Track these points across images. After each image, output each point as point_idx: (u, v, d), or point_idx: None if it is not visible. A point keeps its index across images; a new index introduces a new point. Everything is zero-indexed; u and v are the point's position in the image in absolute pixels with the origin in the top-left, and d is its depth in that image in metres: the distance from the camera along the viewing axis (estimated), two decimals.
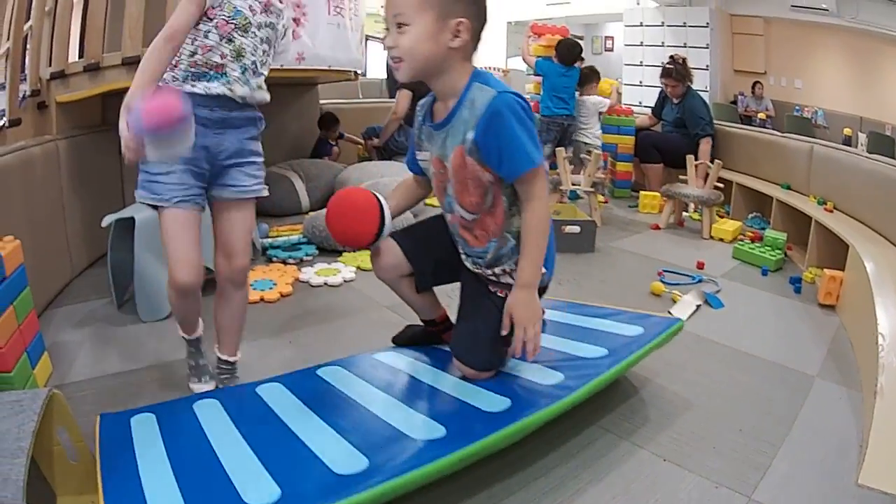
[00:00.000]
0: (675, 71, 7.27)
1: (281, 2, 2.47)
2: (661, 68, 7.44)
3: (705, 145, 7.00)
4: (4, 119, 4.13)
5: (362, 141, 7.95)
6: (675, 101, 7.35)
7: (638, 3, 13.86)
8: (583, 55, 7.35)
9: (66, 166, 4.30)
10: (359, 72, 6.71)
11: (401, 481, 1.83)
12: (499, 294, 2.49)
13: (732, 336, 3.66)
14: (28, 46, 4.51)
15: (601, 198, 6.74)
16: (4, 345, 2.59)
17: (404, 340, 3.09)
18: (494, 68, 15.49)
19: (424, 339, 3.03)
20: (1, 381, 2.61)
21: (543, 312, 2.40)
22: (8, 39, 4.18)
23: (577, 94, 7.28)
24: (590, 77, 7.45)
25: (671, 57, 7.48)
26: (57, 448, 2.07)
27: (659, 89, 7.68)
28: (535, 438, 2.44)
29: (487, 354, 2.54)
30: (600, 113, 7.41)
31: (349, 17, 5.78)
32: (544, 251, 2.33)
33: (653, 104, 7.90)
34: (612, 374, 2.56)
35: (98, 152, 4.91)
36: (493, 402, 2.34)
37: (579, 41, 7.66)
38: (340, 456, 2.00)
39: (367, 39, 7.38)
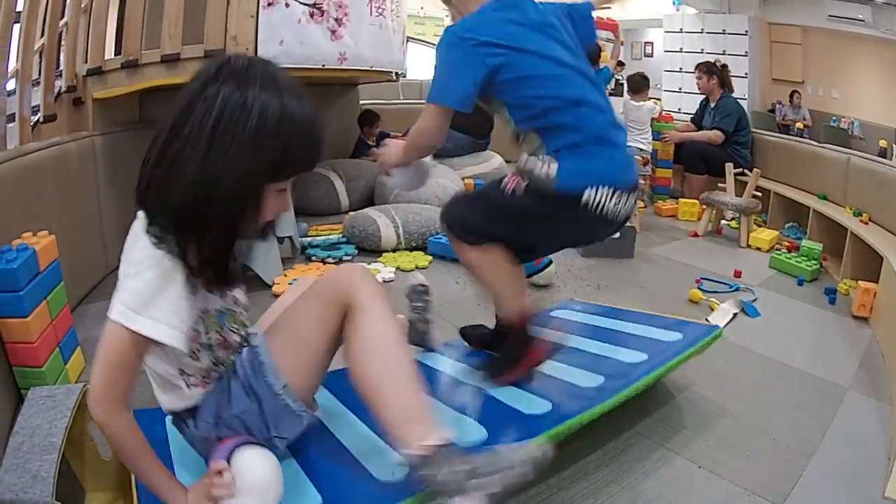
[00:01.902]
0: (706, 64, 7.36)
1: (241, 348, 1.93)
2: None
3: (714, 134, 7.17)
4: (39, 115, 4.19)
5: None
6: (712, 104, 7.41)
7: (678, 10, 13.85)
8: (622, 59, 7.35)
9: (103, 163, 4.36)
10: (400, 73, 6.76)
11: None
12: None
13: (767, 345, 3.71)
14: (63, 42, 4.60)
15: (640, 203, 6.77)
16: (36, 339, 2.68)
17: (473, 340, 2.99)
18: None
19: (492, 345, 2.84)
20: (32, 375, 2.70)
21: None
22: (42, 35, 4.25)
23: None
24: (642, 84, 7.46)
25: (714, 62, 7.55)
26: (89, 444, 2.11)
27: (700, 98, 7.73)
28: (574, 441, 2.51)
29: (465, 212, 2.53)
30: (653, 119, 7.46)
31: (391, 19, 5.84)
32: (414, 150, 2.59)
33: (693, 110, 7.96)
34: (650, 378, 2.61)
35: (135, 150, 4.93)
36: (533, 404, 2.42)
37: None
38: (385, 461, 2.01)
39: (408, 41, 7.41)
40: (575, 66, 2.37)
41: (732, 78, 7.61)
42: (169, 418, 2.07)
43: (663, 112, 8.04)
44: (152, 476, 1.67)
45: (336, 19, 4.92)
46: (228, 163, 1.51)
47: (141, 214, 1.59)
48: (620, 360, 2.79)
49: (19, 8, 3.82)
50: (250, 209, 1.61)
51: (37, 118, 4.12)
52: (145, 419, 2.20)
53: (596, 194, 2.24)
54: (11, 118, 3.86)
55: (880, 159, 6.08)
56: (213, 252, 1.61)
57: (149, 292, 1.53)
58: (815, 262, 5.10)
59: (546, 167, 2.30)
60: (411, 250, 5.19)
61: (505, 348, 2.65)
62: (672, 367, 2.76)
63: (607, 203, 2.26)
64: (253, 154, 1.53)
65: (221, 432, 1.81)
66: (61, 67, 4.54)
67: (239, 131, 1.50)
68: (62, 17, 4.42)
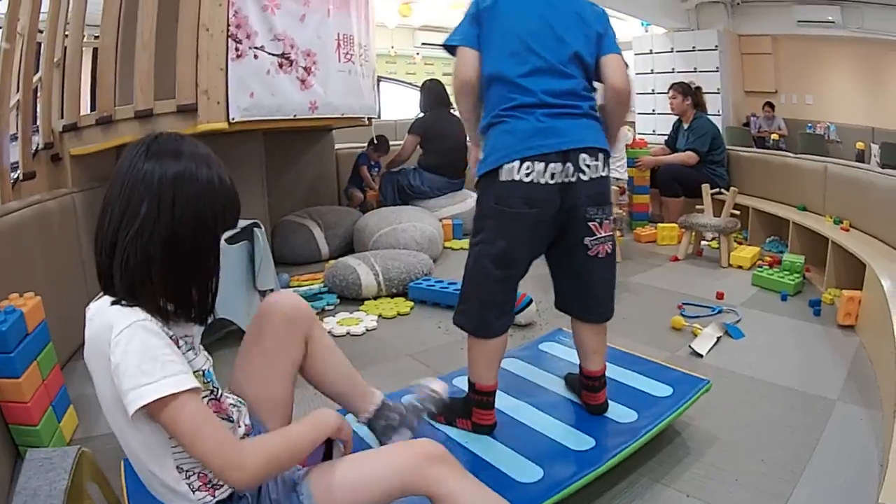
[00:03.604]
0: (680, 84, 7.44)
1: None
2: None
3: (687, 156, 7.21)
4: (18, 172, 4.17)
5: (375, 188, 8.05)
6: (686, 125, 7.45)
7: (647, 31, 13.92)
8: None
9: (84, 219, 4.35)
10: (372, 117, 6.78)
11: None
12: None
13: (753, 366, 3.72)
14: (39, 97, 4.60)
15: (618, 233, 6.76)
16: (30, 399, 2.70)
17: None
18: None
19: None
20: (28, 434, 2.73)
21: None
22: (18, 90, 4.23)
23: None
24: None
25: (688, 83, 7.59)
26: (87, 503, 2.14)
27: (673, 120, 7.77)
28: None
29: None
30: (626, 146, 7.48)
31: (360, 63, 5.90)
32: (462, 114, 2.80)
33: (666, 131, 8.00)
34: (641, 442, 2.62)
35: None
36: (526, 470, 2.42)
37: None
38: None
39: (379, 81, 7.43)
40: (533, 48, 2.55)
41: (705, 95, 7.65)
42: None
43: (637, 137, 8.07)
44: (306, 447, 1.74)
45: (305, 68, 4.96)
46: (186, 228, 1.60)
47: (95, 306, 1.65)
48: (612, 420, 2.78)
49: None
50: (213, 257, 1.71)
51: (16, 175, 4.11)
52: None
53: (505, 170, 2.48)
54: None
55: (857, 164, 6.19)
56: (191, 298, 1.69)
57: (149, 357, 1.51)
58: (797, 275, 5.14)
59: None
60: (392, 297, 5.19)
61: (466, 399, 2.75)
62: (663, 428, 2.77)
63: (517, 175, 2.45)
64: (206, 218, 1.64)
65: None
66: (38, 123, 4.54)
67: (183, 201, 1.58)
68: (36, 71, 4.42)
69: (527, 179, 2.44)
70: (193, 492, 1.66)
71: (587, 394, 2.84)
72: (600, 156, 2.55)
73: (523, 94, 2.50)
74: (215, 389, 1.76)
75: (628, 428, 2.69)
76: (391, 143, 8.18)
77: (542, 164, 2.43)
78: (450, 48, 2.69)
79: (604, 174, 2.58)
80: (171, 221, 1.56)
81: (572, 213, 2.54)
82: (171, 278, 1.62)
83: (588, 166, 2.49)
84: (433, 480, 1.73)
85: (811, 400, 3.30)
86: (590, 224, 2.56)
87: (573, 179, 2.48)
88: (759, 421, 3.10)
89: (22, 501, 1.84)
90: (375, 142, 7.98)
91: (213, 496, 1.69)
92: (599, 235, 2.58)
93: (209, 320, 1.79)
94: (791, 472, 2.63)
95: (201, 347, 1.81)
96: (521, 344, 3.78)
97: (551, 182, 2.45)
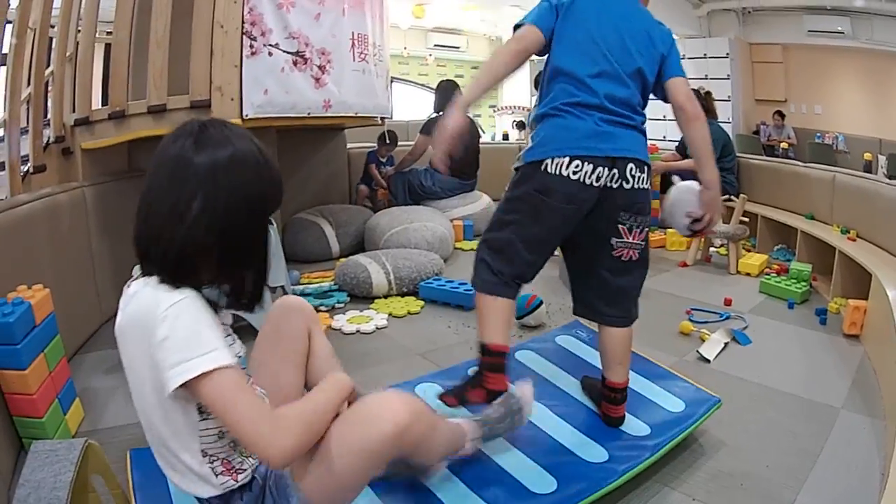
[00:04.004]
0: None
1: None
2: None
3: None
4: (29, 165, 4.19)
5: (385, 186, 8.07)
6: None
7: None
8: None
9: (94, 213, 4.38)
10: (385, 117, 6.79)
11: None
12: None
13: (760, 372, 3.73)
14: (50, 91, 4.61)
15: None
16: (35, 392, 2.71)
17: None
18: (519, 107, 15.55)
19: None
20: (33, 426, 2.73)
21: None
22: (29, 84, 4.26)
23: None
24: None
25: (697, 89, 7.57)
26: (92, 495, 2.15)
27: None
28: None
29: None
30: None
31: (374, 63, 5.90)
32: (490, 72, 2.72)
33: (677, 138, 7.97)
34: (654, 459, 2.62)
35: (126, 199, 4.89)
36: (540, 480, 2.43)
37: None
38: None
39: (392, 81, 7.43)
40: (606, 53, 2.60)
41: (716, 102, 7.63)
42: None
43: (648, 143, 8.06)
44: (332, 412, 1.79)
45: (319, 66, 4.96)
46: (240, 214, 1.64)
47: (138, 284, 1.64)
48: (626, 433, 2.79)
49: (5, 50, 3.84)
50: (265, 239, 1.76)
51: (26, 168, 4.13)
52: (145, 458, 2.22)
53: (554, 163, 2.53)
54: (1, 167, 3.89)
55: (865, 175, 6.15)
56: (246, 282, 1.75)
57: (198, 330, 1.55)
58: (804, 283, 5.14)
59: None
60: (403, 296, 5.20)
61: (478, 368, 2.76)
62: (675, 445, 2.77)
63: (565, 171, 2.51)
64: (256, 203, 1.68)
65: None
66: (48, 117, 4.56)
67: (235, 188, 1.62)
68: (48, 65, 4.43)
69: (573, 177, 2.50)
70: (216, 475, 1.70)
71: (607, 405, 2.84)
72: (645, 169, 2.63)
73: (587, 94, 2.55)
74: (248, 378, 1.76)
75: (641, 443, 2.70)
76: (403, 143, 8.20)
77: (591, 166, 2.50)
78: (521, 26, 2.71)
79: (646, 187, 2.64)
80: (226, 209, 1.60)
81: (606, 215, 2.61)
82: (228, 265, 1.68)
83: (633, 176, 2.57)
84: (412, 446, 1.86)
85: (816, 407, 3.31)
86: (619, 227, 2.62)
87: (615, 186, 2.55)
88: (765, 427, 3.11)
89: (26, 493, 1.84)
90: (388, 140, 8.00)
91: (237, 481, 1.73)
92: (627, 240, 2.65)
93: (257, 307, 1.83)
94: (795, 479, 2.64)
95: (235, 336, 1.83)
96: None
97: (595, 184, 2.52)
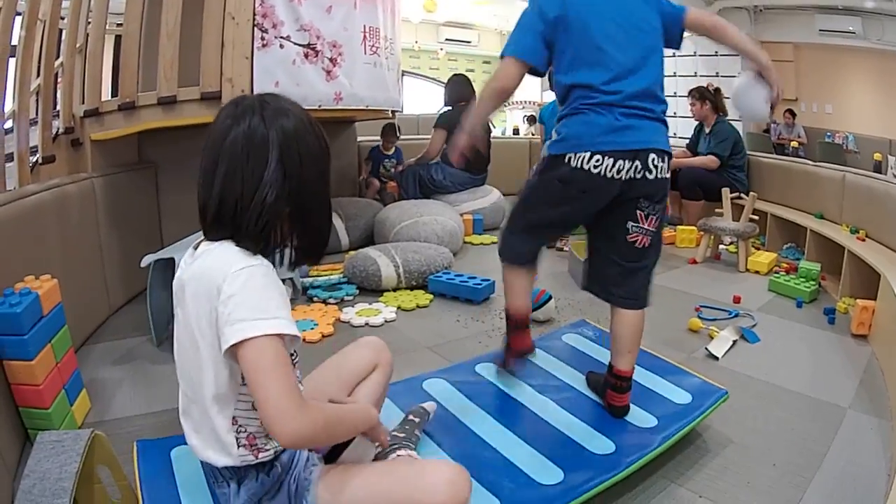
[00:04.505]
0: (698, 90, 7.41)
1: None
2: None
3: (709, 159, 7.19)
4: (38, 156, 4.20)
5: (391, 179, 8.15)
6: (707, 129, 7.43)
7: None
8: None
9: (103, 204, 4.40)
10: (396, 110, 6.79)
11: None
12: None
13: (768, 371, 3.72)
14: (59, 82, 4.63)
15: None
16: (42, 382, 2.71)
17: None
18: (530, 102, 15.55)
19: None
20: (39, 416, 2.73)
21: None
22: (38, 76, 4.27)
23: None
24: None
25: (706, 86, 7.57)
26: (98, 486, 2.15)
27: (695, 124, 7.76)
28: None
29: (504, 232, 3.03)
30: None
31: (385, 56, 5.91)
32: (479, 108, 2.90)
33: (688, 135, 7.98)
34: (660, 450, 2.63)
35: (135, 190, 5.06)
36: (546, 471, 2.43)
37: None
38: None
39: (403, 75, 7.44)
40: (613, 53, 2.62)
41: (727, 100, 7.62)
42: (174, 452, 2.20)
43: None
44: (351, 429, 1.82)
45: (331, 59, 4.97)
46: (312, 175, 1.77)
47: (210, 245, 1.73)
48: (632, 424, 2.80)
49: (15, 42, 3.84)
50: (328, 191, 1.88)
51: (35, 159, 4.13)
52: (152, 449, 2.23)
53: (576, 157, 2.61)
54: (10, 157, 3.88)
55: (875, 175, 6.11)
56: (320, 235, 1.90)
57: (267, 296, 1.62)
58: (813, 282, 5.13)
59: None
60: (412, 289, 5.20)
61: (507, 333, 3.11)
62: (682, 437, 2.78)
63: (586, 165, 2.59)
64: (320, 163, 1.82)
65: None
66: (58, 108, 4.57)
67: (305, 153, 1.75)
68: (58, 56, 4.45)
69: (595, 171, 2.57)
70: (238, 447, 1.72)
71: (612, 394, 2.86)
72: (666, 158, 2.68)
73: (605, 96, 2.58)
74: (294, 353, 1.83)
75: (648, 435, 2.70)
76: (413, 137, 8.20)
77: (612, 160, 2.56)
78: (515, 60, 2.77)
79: (667, 176, 2.71)
80: (300, 172, 1.71)
81: (628, 201, 2.68)
82: (303, 222, 1.79)
83: (656, 167, 2.63)
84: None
85: (823, 407, 3.30)
86: (638, 212, 2.69)
87: (639, 177, 2.61)
88: (772, 425, 3.10)
89: (31, 484, 1.84)
90: (398, 132, 8.02)
91: (256, 458, 1.75)
92: (643, 226, 2.71)
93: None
94: (801, 478, 2.63)
95: None
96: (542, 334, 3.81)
97: (616, 177, 2.58)
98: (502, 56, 2.75)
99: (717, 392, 3.05)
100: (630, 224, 2.71)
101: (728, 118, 7.46)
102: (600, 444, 2.62)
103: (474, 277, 5.01)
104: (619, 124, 2.56)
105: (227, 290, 1.57)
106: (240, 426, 1.72)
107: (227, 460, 1.73)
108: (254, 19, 4.35)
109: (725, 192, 6.37)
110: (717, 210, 6.44)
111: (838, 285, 5.11)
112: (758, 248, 6.50)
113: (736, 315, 4.69)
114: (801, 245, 6.27)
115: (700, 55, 13.11)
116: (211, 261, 1.66)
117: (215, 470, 1.78)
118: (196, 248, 1.78)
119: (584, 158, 2.58)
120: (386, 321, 4.48)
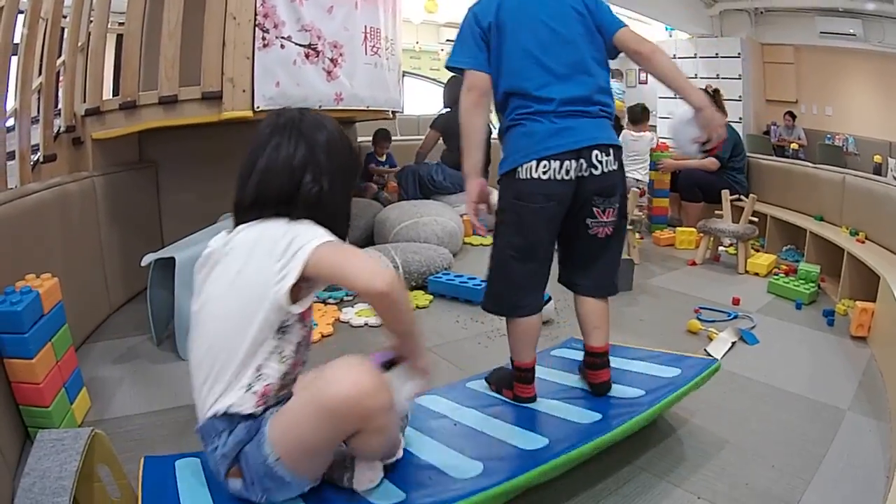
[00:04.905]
0: None
1: None
2: None
3: (709, 161, 7.16)
4: (39, 154, 4.21)
5: (387, 180, 8.18)
6: None
7: (670, 36, 13.91)
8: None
9: (104, 203, 4.42)
10: (396, 111, 6.80)
11: None
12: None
13: (767, 372, 3.72)
14: (61, 81, 4.63)
15: (637, 235, 6.76)
16: (42, 380, 2.72)
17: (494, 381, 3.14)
18: None
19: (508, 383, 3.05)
20: (39, 415, 2.75)
21: None
22: (40, 74, 4.28)
23: None
24: (641, 115, 7.62)
25: (704, 87, 7.56)
26: (97, 485, 2.16)
27: None
28: (572, 475, 2.56)
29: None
30: (652, 150, 7.53)
31: (386, 57, 5.90)
32: (470, 139, 2.89)
33: None
34: (648, 414, 2.65)
35: (135, 189, 5.06)
36: (530, 440, 2.46)
37: None
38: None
39: (404, 75, 7.45)
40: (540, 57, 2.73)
41: (727, 102, 7.62)
42: (178, 462, 2.24)
43: (659, 141, 8.08)
44: (410, 315, 2.10)
45: (331, 59, 4.97)
46: (347, 178, 2.23)
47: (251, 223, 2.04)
48: (618, 397, 2.84)
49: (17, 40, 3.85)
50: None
51: (37, 157, 4.14)
52: (155, 465, 2.24)
53: (524, 169, 2.69)
54: (11, 155, 3.89)
55: (875, 177, 6.13)
56: (347, 217, 2.23)
57: (316, 228, 1.98)
58: (812, 284, 5.12)
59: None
60: (412, 290, 5.19)
61: (510, 373, 2.98)
62: (671, 402, 2.81)
63: (535, 173, 2.67)
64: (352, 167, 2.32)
65: (232, 461, 1.96)
66: (59, 106, 4.58)
67: (344, 155, 2.18)
68: (59, 55, 4.46)
69: (544, 177, 2.65)
70: (245, 392, 1.94)
71: (590, 372, 2.94)
72: (611, 151, 2.75)
73: (540, 103, 2.69)
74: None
75: (635, 402, 2.75)
76: (414, 137, 8.20)
77: (558, 163, 2.65)
78: (457, 70, 2.89)
79: (614, 168, 2.77)
80: (343, 168, 2.16)
81: (581, 201, 2.75)
82: (342, 207, 2.18)
83: (600, 162, 2.71)
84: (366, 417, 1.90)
85: (822, 408, 3.30)
86: (594, 209, 2.76)
87: (586, 174, 2.68)
88: (771, 427, 3.10)
89: (31, 482, 1.85)
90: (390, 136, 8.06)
91: (255, 406, 1.95)
92: (601, 219, 2.78)
93: None
94: (800, 479, 2.63)
95: None
96: (539, 341, 3.83)
97: (566, 178, 2.67)
98: (450, 67, 2.93)
99: (707, 362, 3.10)
100: (589, 220, 2.78)
101: (727, 120, 7.46)
102: (587, 416, 2.67)
103: (474, 278, 5.00)
104: (556, 127, 2.66)
105: (292, 233, 1.92)
106: (261, 374, 1.96)
107: (230, 402, 1.92)
108: (255, 19, 4.35)
109: (725, 193, 6.36)
110: (716, 212, 6.42)
111: (838, 287, 5.11)
112: (757, 250, 6.50)
113: (735, 317, 4.68)
114: (800, 247, 6.27)
115: (700, 57, 13.12)
116: (267, 225, 1.99)
117: (212, 425, 1.95)
118: (230, 231, 2.08)
119: (531, 167, 2.66)
120: (371, 326, 4.46)
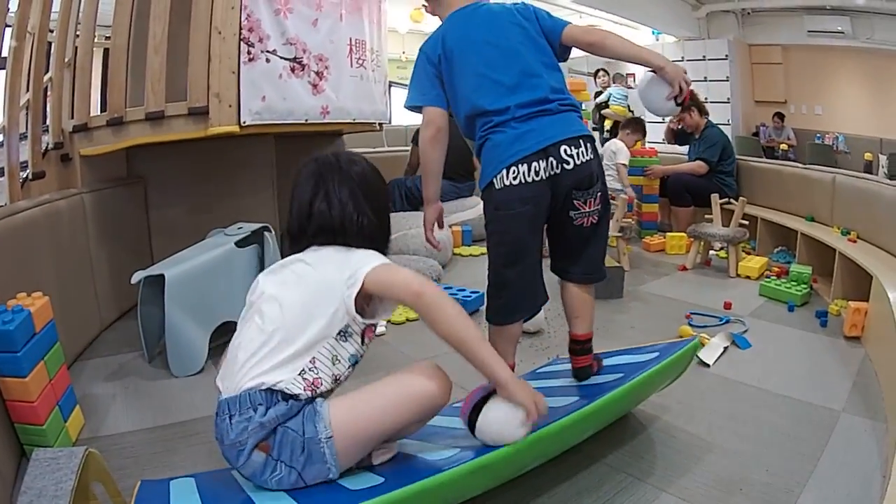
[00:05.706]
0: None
1: None
2: None
3: (697, 165, 7.27)
4: (27, 171, 4.17)
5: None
6: (697, 135, 7.45)
7: (657, 40, 13.94)
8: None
9: (93, 220, 4.40)
10: (383, 122, 6.80)
11: None
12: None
13: (760, 376, 3.72)
14: (48, 97, 4.61)
15: (626, 242, 6.73)
16: (36, 399, 2.72)
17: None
18: None
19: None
20: (34, 433, 2.74)
21: None
22: (28, 90, 4.24)
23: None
24: (627, 125, 7.80)
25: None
26: (93, 503, 2.17)
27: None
28: (556, 477, 2.59)
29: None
30: (643, 155, 7.67)
31: (372, 69, 5.87)
32: (428, 168, 3.11)
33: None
34: (627, 388, 2.62)
35: (124, 205, 5.04)
36: None
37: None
38: None
39: (390, 86, 7.45)
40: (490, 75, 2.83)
41: (714, 104, 7.67)
42: (174, 483, 2.25)
43: (647, 146, 8.09)
44: (486, 345, 2.28)
45: (317, 73, 4.96)
46: (383, 204, 2.51)
47: (319, 252, 2.32)
48: (598, 380, 2.95)
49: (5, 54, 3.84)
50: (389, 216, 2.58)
51: (26, 174, 4.11)
52: (153, 490, 2.23)
53: (497, 179, 2.76)
54: (0, 172, 3.88)
55: (865, 175, 6.15)
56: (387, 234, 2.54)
57: (371, 254, 2.28)
58: (804, 286, 5.13)
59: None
60: None
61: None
62: (651, 379, 2.78)
63: (507, 181, 2.74)
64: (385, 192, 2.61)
65: (268, 433, 2.05)
66: (48, 123, 4.57)
67: (379, 184, 2.50)
68: (46, 71, 4.44)
69: (515, 182, 2.71)
70: (297, 375, 2.10)
71: (572, 357, 3.07)
72: (581, 142, 2.79)
73: (499, 115, 2.78)
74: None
75: (615, 380, 2.80)
76: (402, 148, 8.22)
77: (526, 166, 2.70)
78: (416, 108, 3.05)
79: (589, 158, 2.81)
80: (379, 197, 2.44)
81: (561, 197, 2.80)
82: (382, 229, 2.47)
83: (570, 156, 2.75)
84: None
85: (816, 410, 3.30)
86: (574, 202, 2.82)
87: (559, 171, 2.73)
88: (764, 431, 3.09)
89: (28, 500, 1.86)
90: None
91: (303, 392, 2.08)
92: (584, 210, 2.84)
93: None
94: (795, 483, 2.63)
95: None
96: (528, 351, 3.94)
97: (537, 179, 2.72)
98: (409, 107, 3.11)
99: (686, 341, 3.10)
100: (572, 213, 2.84)
101: (714, 123, 7.50)
102: (563, 400, 2.69)
103: (463, 290, 5.02)
104: (518, 132, 2.73)
105: (359, 255, 2.24)
106: (313, 367, 2.12)
107: (279, 379, 2.05)
108: (240, 33, 4.32)
109: (714, 197, 6.34)
110: (706, 216, 6.44)
111: (830, 288, 5.12)
112: (748, 253, 6.50)
113: (727, 321, 4.69)
114: (792, 248, 6.29)
115: (688, 60, 13.14)
116: (327, 251, 2.30)
117: (249, 397, 2.05)
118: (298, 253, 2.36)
119: (503, 176, 2.73)
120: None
